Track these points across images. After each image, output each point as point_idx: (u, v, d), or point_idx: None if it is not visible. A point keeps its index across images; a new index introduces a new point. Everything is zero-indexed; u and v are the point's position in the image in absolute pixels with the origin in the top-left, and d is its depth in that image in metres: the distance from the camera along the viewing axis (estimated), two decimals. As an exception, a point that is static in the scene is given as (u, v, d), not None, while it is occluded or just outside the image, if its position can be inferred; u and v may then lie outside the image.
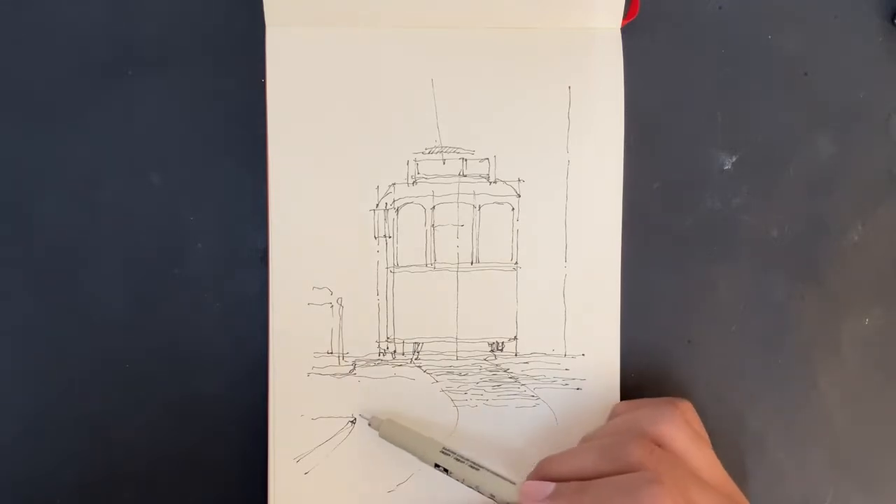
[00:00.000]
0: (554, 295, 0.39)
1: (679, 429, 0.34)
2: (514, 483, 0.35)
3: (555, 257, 0.39)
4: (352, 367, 0.39)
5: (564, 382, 0.39)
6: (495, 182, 0.39)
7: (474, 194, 0.39)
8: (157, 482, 0.39)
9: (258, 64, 0.38)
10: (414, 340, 0.39)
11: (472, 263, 0.39)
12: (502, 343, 0.39)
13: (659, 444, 0.33)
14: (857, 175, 0.41)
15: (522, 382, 0.39)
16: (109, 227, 0.38)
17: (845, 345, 0.41)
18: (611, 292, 0.39)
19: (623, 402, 0.39)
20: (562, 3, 0.38)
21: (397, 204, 0.39)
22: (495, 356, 0.39)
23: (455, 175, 0.39)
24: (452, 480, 0.36)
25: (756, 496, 0.40)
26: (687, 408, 0.36)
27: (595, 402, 0.39)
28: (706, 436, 0.36)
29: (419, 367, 0.39)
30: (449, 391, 0.39)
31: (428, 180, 0.39)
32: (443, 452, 0.36)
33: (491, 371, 0.39)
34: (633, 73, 0.39)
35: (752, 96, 0.40)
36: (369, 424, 0.38)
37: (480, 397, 0.39)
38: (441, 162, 0.39)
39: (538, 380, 0.39)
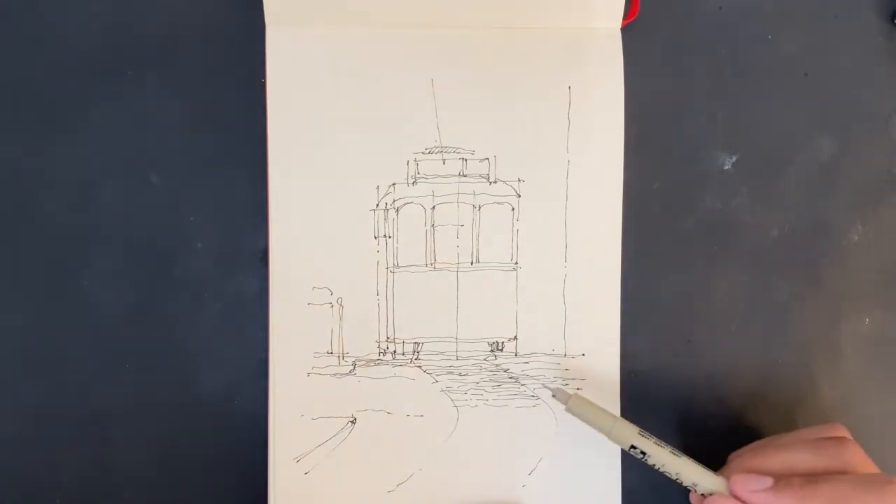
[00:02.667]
0: (554, 295, 0.39)
1: (855, 443, 0.35)
2: (715, 474, 0.34)
3: (555, 257, 0.39)
4: (352, 367, 0.39)
5: (564, 382, 0.39)
6: (495, 182, 0.39)
7: (474, 194, 0.39)
8: (157, 482, 0.39)
9: (258, 64, 0.38)
10: (414, 340, 0.39)
11: (472, 263, 0.39)
12: (502, 343, 0.39)
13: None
14: (857, 175, 0.41)
15: (522, 382, 0.39)
16: (109, 227, 0.38)
17: (845, 345, 0.41)
18: (611, 292, 0.39)
19: (743, 449, 0.38)
20: (562, 3, 0.38)
21: (397, 204, 0.39)
22: (495, 356, 0.39)
23: (455, 175, 0.39)
24: (452, 480, 0.36)
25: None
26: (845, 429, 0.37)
27: (595, 403, 0.39)
28: None
29: (419, 367, 0.39)
30: (449, 391, 0.39)
31: (428, 180, 0.39)
32: (641, 435, 0.35)
33: (491, 371, 0.39)
34: (633, 73, 0.39)
35: (752, 96, 0.40)
36: (553, 396, 0.37)
37: (480, 397, 0.39)
38: (441, 162, 0.39)
39: (538, 380, 0.39)
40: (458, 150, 0.39)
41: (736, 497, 0.33)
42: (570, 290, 0.39)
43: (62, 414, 0.39)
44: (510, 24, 0.38)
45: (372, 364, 0.39)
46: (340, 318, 0.38)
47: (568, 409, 0.36)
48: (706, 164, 0.40)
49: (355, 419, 0.38)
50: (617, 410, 0.39)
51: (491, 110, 0.39)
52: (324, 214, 0.38)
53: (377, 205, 0.39)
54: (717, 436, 0.40)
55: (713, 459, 0.40)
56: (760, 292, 0.40)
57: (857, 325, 0.41)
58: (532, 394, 0.39)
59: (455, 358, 0.39)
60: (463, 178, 0.39)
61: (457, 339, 0.39)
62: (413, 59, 0.38)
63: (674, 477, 0.35)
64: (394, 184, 0.39)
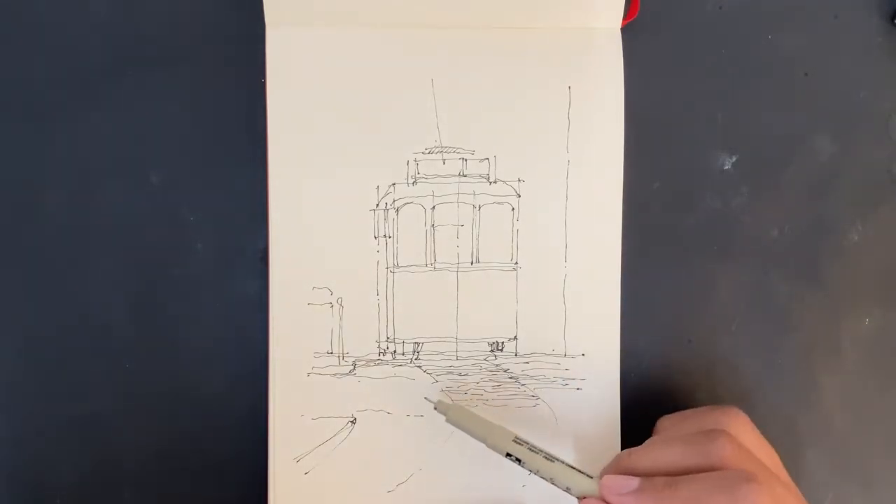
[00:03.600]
0: (554, 295, 0.39)
1: (748, 430, 0.34)
2: (591, 477, 0.34)
3: (555, 257, 0.39)
4: (352, 367, 0.39)
5: (564, 382, 0.39)
6: (495, 182, 0.39)
7: (474, 194, 0.39)
8: (157, 482, 0.39)
9: (258, 64, 0.38)
10: (414, 340, 0.39)
11: (472, 263, 0.39)
12: (502, 343, 0.39)
13: None
14: (857, 175, 0.41)
15: (522, 382, 0.39)
16: (109, 227, 0.38)
17: (845, 345, 0.41)
18: (611, 292, 0.39)
19: (667, 416, 0.37)
20: (562, 3, 0.38)
21: (397, 204, 0.39)
22: (495, 356, 0.39)
23: (455, 175, 0.39)
24: (452, 480, 0.36)
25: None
26: (745, 415, 0.36)
27: (595, 402, 0.39)
28: (766, 440, 0.36)
29: (419, 367, 0.39)
30: (449, 391, 0.39)
31: (428, 180, 0.39)
32: (516, 442, 0.35)
33: (491, 371, 0.39)
34: (633, 73, 0.39)
35: (752, 96, 0.40)
36: (435, 408, 0.37)
37: (480, 397, 0.39)
38: (441, 162, 0.39)
39: (538, 380, 0.39)
40: (458, 150, 0.39)
41: (604, 500, 0.33)
42: (570, 290, 0.39)
43: (62, 414, 0.39)
44: (510, 24, 0.38)
45: (372, 364, 0.39)
46: (340, 318, 0.38)
47: (448, 420, 0.36)
48: (706, 164, 0.40)
49: (355, 419, 0.38)
50: (617, 410, 0.39)
51: (491, 110, 0.39)
52: (324, 214, 0.38)
53: (377, 205, 0.39)
54: (717, 436, 0.40)
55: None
56: (760, 292, 0.40)
57: (857, 325, 0.41)
58: (532, 394, 0.39)
59: (455, 358, 0.39)
60: (463, 178, 0.39)
61: (457, 339, 0.39)
62: (413, 59, 0.38)
63: (549, 481, 0.34)
64: (394, 184, 0.39)
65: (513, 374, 0.39)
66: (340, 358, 0.38)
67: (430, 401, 0.37)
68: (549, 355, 0.39)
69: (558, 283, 0.39)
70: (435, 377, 0.39)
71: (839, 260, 0.41)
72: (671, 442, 0.33)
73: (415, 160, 0.39)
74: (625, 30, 0.39)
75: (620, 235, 0.39)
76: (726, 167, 0.40)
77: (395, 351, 0.39)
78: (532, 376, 0.39)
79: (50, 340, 0.38)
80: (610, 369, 0.39)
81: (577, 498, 0.34)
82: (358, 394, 0.38)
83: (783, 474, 0.34)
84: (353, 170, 0.38)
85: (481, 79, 0.39)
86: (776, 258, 0.40)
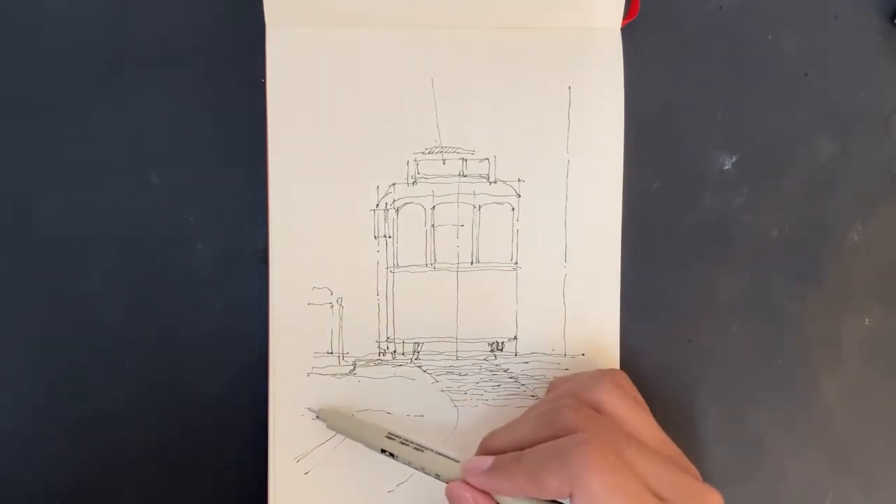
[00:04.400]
0: (554, 295, 0.39)
1: (612, 393, 0.33)
2: (457, 461, 0.34)
3: (555, 257, 0.39)
4: (352, 367, 0.39)
5: (564, 382, 0.39)
6: (495, 182, 0.39)
7: (474, 194, 0.39)
8: (157, 482, 0.39)
9: (258, 64, 0.38)
10: (414, 340, 0.39)
11: (472, 263, 0.39)
12: (502, 343, 0.39)
13: (596, 410, 0.33)
14: (857, 175, 0.41)
15: (522, 382, 0.39)
16: (109, 227, 0.38)
17: (845, 345, 0.41)
18: (611, 292, 0.39)
19: (560, 376, 0.38)
20: (562, 3, 0.38)
21: (397, 204, 0.39)
22: (495, 356, 0.39)
23: (455, 175, 0.39)
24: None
25: (756, 496, 0.40)
26: (620, 375, 0.36)
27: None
28: (643, 402, 0.36)
29: (419, 367, 0.39)
30: (449, 391, 0.39)
31: (428, 180, 0.39)
32: (388, 437, 0.36)
33: (491, 371, 0.39)
34: (633, 73, 0.39)
35: (752, 96, 0.40)
36: (316, 417, 0.38)
37: (480, 397, 0.39)
38: (441, 162, 0.39)
39: (538, 380, 0.39)
40: (458, 150, 0.39)
41: (467, 482, 0.33)
42: (570, 290, 0.39)
43: (62, 414, 0.39)
44: (510, 24, 0.38)
45: (372, 364, 0.39)
46: (340, 318, 0.38)
47: (329, 426, 0.37)
48: (706, 164, 0.40)
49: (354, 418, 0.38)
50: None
51: (491, 110, 0.39)
52: (324, 214, 0.38)
53: (377, 205, 0.39)
54: (716, 436, 0.40)
55: (713, 460, 0.40)
56: (760, 292, 0.40)
57: (857, 325, 0.41)
58: (532, 394, 0.39)
59: (455, 358, 0.39)
60: (463, 178, 0.39)
61: (457, 339, 0.39)
62: (413, 59, 0.38)
63: (422, 471, 0.35)
64: (394, 184, 0.39)
65: (513, 374, 0.39)
66: (340, 358, 0.38)
67: (312, 411, 0.38)
68: (549, 355, 0.39)
69: (558, 283, 0.39)
70: (435, 377, 0.39)
71: (839, 260, 0.41)
72: (526, 419, 0.34)
73: (415, 160, 0.39)
74: (625, 30, 0.39)
75: (620, 235, 0.39)
76: (726, 167, 0.40)
77: (395, 351, 0.39)
78: (532, 376, 0.39)
79: (50, 340, 0.38)
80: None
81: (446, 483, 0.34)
82: (358, 394, 0.38)
83: (655, 435, 0.33)
84: (353, 170, 0.38)
85: (481, 79, 0.39)
86: (776, 258, 0.40)
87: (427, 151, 0.39)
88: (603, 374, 0.35)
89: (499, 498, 0.32)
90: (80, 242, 0.38)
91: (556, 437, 0.31)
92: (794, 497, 0.41)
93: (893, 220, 0.41)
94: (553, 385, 0.38)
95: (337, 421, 0.37)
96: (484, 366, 0.39)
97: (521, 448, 0.32)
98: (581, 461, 0.29)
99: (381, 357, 0.39)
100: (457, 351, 0.39)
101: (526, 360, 0.39)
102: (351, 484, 0.38)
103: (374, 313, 0.39)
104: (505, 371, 0.39)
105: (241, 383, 0.39)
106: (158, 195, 0.39)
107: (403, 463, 0.35)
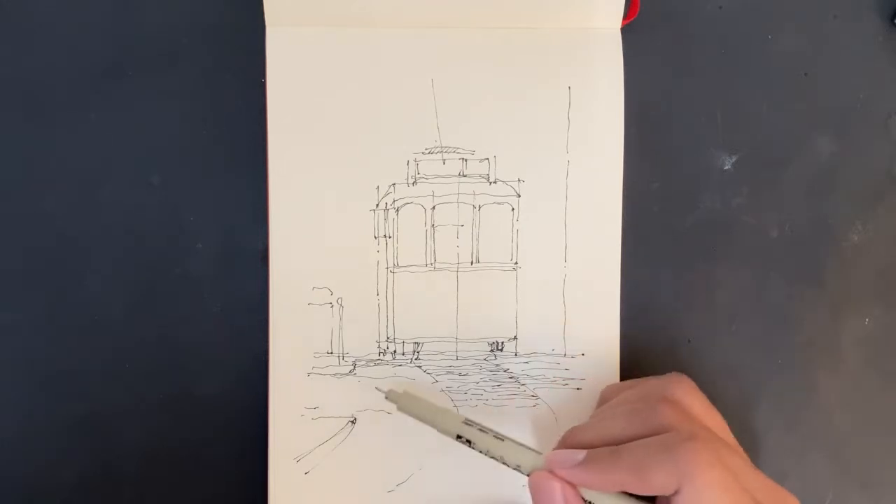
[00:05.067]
0: (554, 295, 0.39)
1: (693, 394, 0.34)
2: (540, 453, 0.34)
3: (555, 257, 0.39)
4: (352, 367, 0.39)
5: (564, 382, 0.39)
6: (495, 182, 0.39)
7: (474, 194, 0.39)
8: (157, 482, 0.39)
9: (258, 64, 0.38)
10: (414, 340, 0.39)
11: (472, 263, 0.39)
12: (502, 343, 0.39)
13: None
14: (857, 175, 0.41)
15: (522, 382, 0.39)
16: (109, 227, 0.38)
17: (845, 345, 0.41)
18: (611, 292, 0.39)
19: (613, 384, 0.38)
20: (562, 3, 0.38)
21: (397, 204, 0.39)
22: (495, 356, 0.39)
23: (455, 175, 0.39)
24: (452, 480, 0.36)
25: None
26: (690, 380, 0.36)
27: (595, 402, 0.39)
28: (712, 405, 0.36)
29: (419, 367, 0.39)
30: (449, 391, 0.39)
31: (428, 180, 0.39)
32: (466, 423, 0.35)
33: (491, 371, 0.39)
34: (633, 73, 0.39)
35: (752, 96, 0.40)
36: (386, 397, 0.37)
37: (480, 397, 0.39)
38: (441, 162, 0.39)
39: (538, 380, 0.39)
40: (458, 150, 0.39)
41: (553, 474, 0.32)
42: (569, 290, 0.39)
43: (62, 414, 0.39)
44: (510, 24, 0.38)
45: (372, 364, 0.39)
46: (340, 318, 0.38)
47: (400, 409, 0.36)
48: (706, 164, 0.40)
49: (355, 419, 0.38)
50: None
51: (491, 110, 0.39)
52: (324, 214, 0.38)
53: (377, 205, 0.39)
54: (717, 436, 0.40)
55: (713, 459, 0.40)
56: (760, 292, 0.40)
57: (857, 325, 0.41)
58: (532, 394, 0.39)
59: (455, 358, 0.39)
60: (463, 178, 0.39)
61: (457, 339, 0.39)
62: (413, 59, 0.38)
63: (500, 461, 0.34)
64: (394, 184, 0.39)
65: (513, 374, 0.39)
66: (340, 358, 0.39)
67: (381, 390, 0.37)
68: (549, 355, 0.39)
69: (558, 283, 0.39)
70: (435, 377, 0.39)
71: (839, 260, 0.41)
72: (615, 414, 0.33)
73: (415, 160, 0.39)
74: (625, 30, 0.39)
75: (620, 235, 0.39)
76: (726, 167, 0.40)
77: (395, 351, 0.39)
78: (532, 376, 0.39)
79: (50, 340, 0.38)
80: (610, 369, 0.39)
81: (527, 475, 0.34)
82: (358, 394, 0.38)
83: (730, 438, 0.34)
84: (353, 170, 0.38)
85: (481, 79, 0.39)
86: (776, 258, 0.40)
87: (427, 151, 0.39)
88: (678, 377, 0.35)
89: (586, 493, 0.32)
90: (80, 242, 0.38)
91: (652, 433, 0.31)
92: (794, 497, 0.41)
93: (893, 220, 0.41)
94: (607, 393, 0.38)
95: (409, 403, 0.36)
96: (484, 366, 0.39)
97: (613, 444, 0.32)
98: (690, 457, 0.29)
99: (381, 357, 0.39)
100: (457, 351, 0.39)
101: (526, 360, 0.39)
102: (351, 484, 0.38)
103: (374, 313, 0.39)
104: (505, 371, 0.39)
105: (241, 383, 0.39)
106: (158, 195, 0.39)
107: (481, 452, 0.34)
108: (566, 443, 0.34)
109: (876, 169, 0.41)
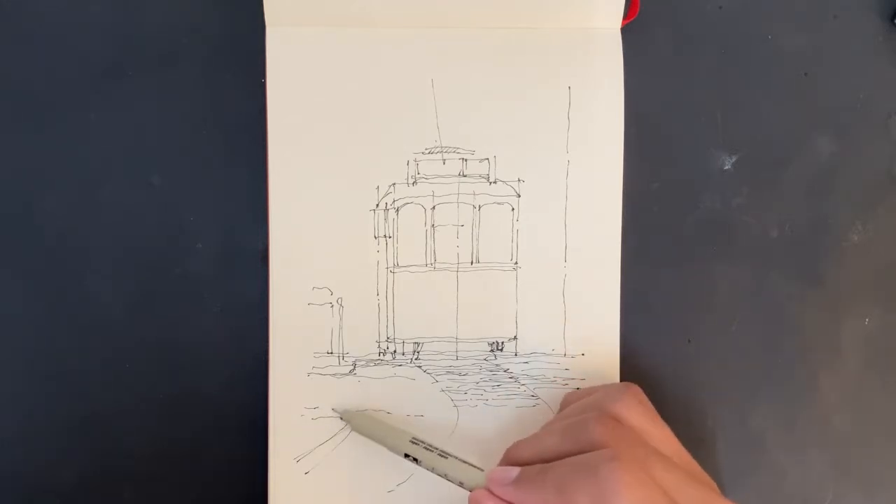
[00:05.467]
0: (554, 295, 0.39)
1: (633, 408, 0.34)
2: (482, 470, 0.34)
3: (555, 257, 0.39)
4: (352, 367, 0.39)
5: (564, 382, 0.39)
6: (495, 182, 0.39)
7: (474, 194, 0.39)
8: (157, 482, 0.39)
9: (258, 64, 0.38)
10: (414, 340, 0.39)
11: (472, 263, 0.39)
12: (502, 343, 0.39)
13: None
14: (857, 175, 0.41)
15: (522, 382, 0.39)
16: (109, 227, 0.38)
17: (845, 345, 0.41)
18: (611, 292, 0.39)
19: (572, 391, 0.39)
20: (562, 3, 0.38)
21: (397, 204, 0.39)
22: (495, 356, 0.39)
23: (455, 175, 0.39)
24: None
25: (756, 496, 0.40)
26: (637, 390, 0.36)
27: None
28: (660, 417, 0.36)
29: (419, 367, 0.39)
30: (449, 391, 0.39)
31: (428, 180, 0.39)
32: (412, 442, 0.36)
33: (491, 371, 0.39)
34: (633, 73, 0.39)
35: (752, 96, 0.40)
36: (341, 418, 0.38)
37: (480, 397, 0.39)
38: (441, 162, 0.39)
39: (538, 380, 0.39)
40: (458, 150, 0.39)
41: (490, 492, 0.33)
42: (570, 290, 0.39)
43: (62, 414, 0.39)
44: (510, 24, 0.38)
45: (372, 364, 0.39)
46: (340, 318, 0.38)
47: (353, 429, 0.37)
48: (706, 164, 0.40)
49: (355, 419, 0.38)
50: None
51: (491, 110, 0.39)
52: (324, 214, 0.38)
53: (377, 205, 0.39)
54: (716, 436, 0.40)
55: (713, 460, 0.40)
56: (760, 292, 0.40)
57: (857, 325, 0.41)
58: (532, 394, 0.39)
59: (455, 358, 0.39)
60: (463, 178, 0.39)
61: (457, 339, 0.39)
62: (413, 59, 0.38)
63: (445, 478, 0.35)
64: (394, 184, 0.39)
65: (513, 374, 0.39)
66: (340, 358, 0.38)
67: (336, 412, 0.38)
68: (549, 355, 0.39)
69: (558, 283, 0.39)
70: (435, 377, 0.39)
71: (839, 260, 0.41)
72: (552, 430, 0.34)
73: (415, 160, 0.39)
74: (625, 30, 0.39)
75: (620, 235, 0.39)
76: (726, 167, 0.40)
77: (395, 351, 0.39)
78: (532, 376, 0.39)
79: (50, 340, 0.38)
80: (610, 369, 0.39)
81: (469, 492, 0.34)
82: (358, 394, 0.38)
83: (675, 450, 0.34)
84: (353, 170, 0.38)
85: (481, 79, 0.39)
86: (776, 258, 0.40)
87: (427, 151, 0.39)
88: (622, 389, 0.35)
89: None
90: (80, 242, 0.38)
91: (582, 450, 0.31)
92: (794, 497, 0.41)
93: (893, 220, 0.41)
94: (567, 400, 0.38)
95: (361, 423, 0.37)
96: (484, 366, 0.39)
97: (547, 460, 0.32)
98: (611, 478, 0.29)
99: (381, 357, 0.39)
100: (457, 351, 0.39)
101: (526, 360, 0.39)
102: (351, 484, 0.38)
103: (374, 313, 0.39)
104: (505, 371, 0.39)
105: (241, 383, 0.39)
106: (158, 195, 0.39)
107: (426, 469, 0.35)
108: (506, 459, 0.35)
109: (876, 169, 0.41)
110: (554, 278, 0.39)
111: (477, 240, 0.39)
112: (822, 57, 0.40)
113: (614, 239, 0.39)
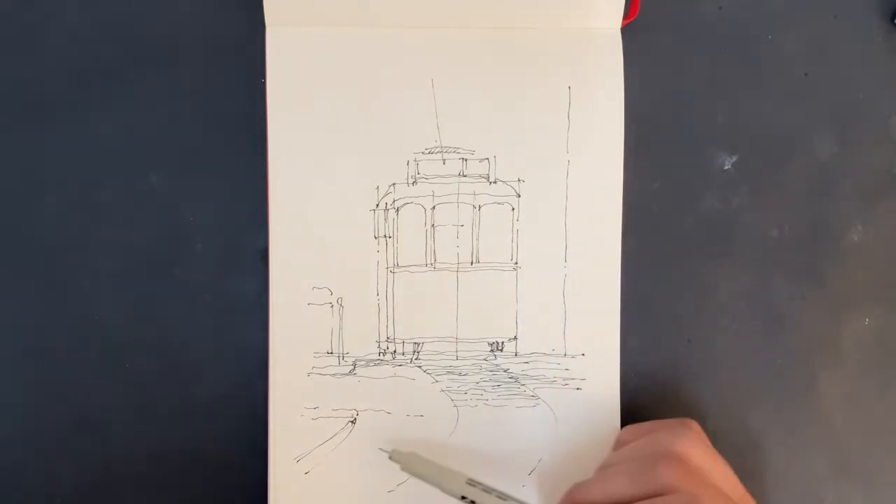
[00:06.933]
0: (554, 295, 0.39)
1: (696, 446, 0.34)
2: None
3: (555, 257, 0.39)
4: (352, 367, 0.39)
5: (564, 382, 0.39)
6: (495, 182, 0.39)
7: (474, 194, 0.39)
8: (157, 482, 0.39)
9: (258, 64, 0.38)
10: (414, 340, 0.39)
11: (472, 263, 0.39)
12: (502, 343, 0.39)
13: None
14: (857, 175, 0.41)
15: (522, 382, 0.39)
16: (109, 227, 0.38)
17: (845, 345, 0.41)
18: (611, 292, 0.39)
19: (627, 427, 0.38)
20: (562, 3, 0.38)
21: (397, 204, 0.39)
22: (495, 356, 0.39)
23: (455, 175, 0.39)
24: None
25: (756, 496, 0.40)
26: (696, 427, 0.36)
27: (595, 402, 0.39)
28: (716, 451, 0.36)
29: (419, 367, 0.39)
30: (449, 391, 0.39)
31: (428, 180, 0.39)
32: (469, 484, 0.35)
33: (491, 371, 0.39)
34: (633, 73, 0.39)
35: (752, 96, 0.40)
36: (390, 458, 0.37)
37: (480, 397, 0.39)
38: (441, 162, 0.39)
39: (538, 380, 0.39)
40: (458, 150, 0.39)
41: None
42: (569, 290, 0.39)
43: (62, 414, 0.39)
44: (510, 24, 0.38)
45: (372, 364, 0.39)
46: (340, 318, 0.38)
47: (403, 469, 0.37)
48: (706, 164, 0.40)
49: (355, 419, 0.38)
50: (617, 411, 0.39)
51: (491, 110, 0.39)
52: (324, 214, 0.38)
53: (377, 205, 0.39)
54: (717, 437, 0.40)
55: (713, 459, 0.40)
56: (760, 292, 0.40)
57: (857, 325, 0.41)
58: (532, 394, 0.39)
59: (455, 358, 0.39)
60: (463, 178, 0.39)
61: (457, 339, 0.39)
62: (413, 59, 0.38)
63: None
64: (394, 184, 0.39)
65: (513, 374, 0.39)
66: (340, 358, 0.38)
67: (384, 451, 0.37)
68: (549, 355, 0.39)
69: (558, 283, 0.39)
70: (435, 377, 0.39)
71: (839, 260, 0.41)
72: (619, 471, 0.34)
73: (415, 160, 0.39)
74: (625, 30, 0.39)
75: (620, 235, 0.39)
76: (726, 167, 0.40)
77: (395, 351, 0.39)
78: (532, 376, 0.39)
79: (50, 340, 0.38)
80: (610, 369, 0.39)
81: None
82: (358, 394, 0.38)
83: (734, 486, 0.34)
84: (353, 170, 0.38)
85: (481, 79, 0.39)
86: (776, 258, 0.40)
87: (427, 151, 0.39)
88: (683, 426, 0.35)
89: None
90: (81, 242, 0.38)
91: (651, 493, 0.32)
92: (794, 497, 0.41)
93: (893, 220, 0.41)
94: (621, 438, 0.38)
95: (413, 463, 0.37)
96: (484, 366, 0.39)
97: (616, 502, 0.32)
98: None
99: (381, 357, 0.39)
100: (457, 351, 0.39)
101: (526, 360, 0.39)
102: (351, 484, 0.38)
103: (374, 313, 0.39)
104: (505, 371, 0.39)
105: (241, 383, 0.39)
106: (158, 195, 0.39)
107: None
108: (571, 500, 0.34)
109: (876, 169, 0.41)
110: (554, 278, 0.39)
111: (477, 240, 0.39)
112: (823, 57, 0.40)
113: (614, 239, 0.39)
